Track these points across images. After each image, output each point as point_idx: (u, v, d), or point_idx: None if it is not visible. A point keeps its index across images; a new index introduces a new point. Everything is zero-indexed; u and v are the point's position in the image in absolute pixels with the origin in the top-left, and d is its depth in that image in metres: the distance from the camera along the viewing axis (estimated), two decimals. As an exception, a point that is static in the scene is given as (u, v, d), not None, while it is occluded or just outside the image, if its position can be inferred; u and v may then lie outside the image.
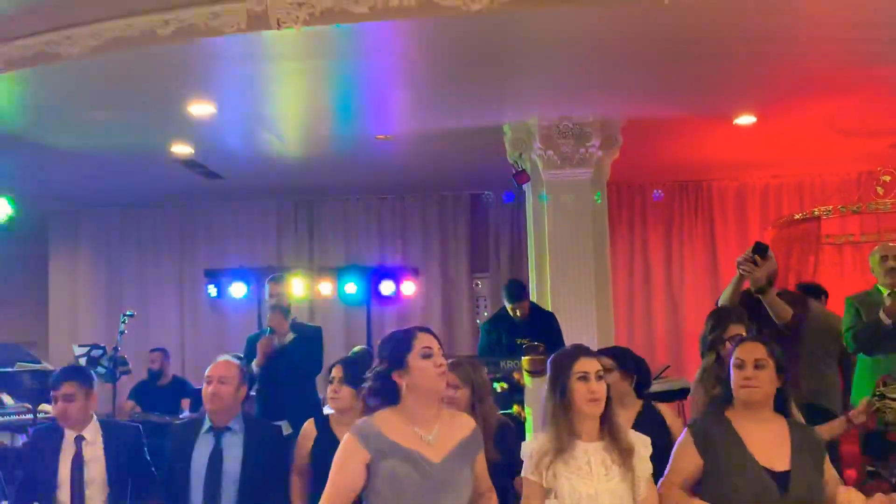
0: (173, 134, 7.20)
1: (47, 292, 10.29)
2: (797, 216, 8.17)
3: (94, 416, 4.10)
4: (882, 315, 5.00)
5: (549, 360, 3.17)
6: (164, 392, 7.79)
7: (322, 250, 10.08)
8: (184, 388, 7.82)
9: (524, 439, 4.23)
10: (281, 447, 4.07)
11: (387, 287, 8.90)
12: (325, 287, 8.92)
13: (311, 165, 8.35)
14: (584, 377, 3.01)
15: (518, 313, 6.18)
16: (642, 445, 3.07)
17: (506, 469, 3.53)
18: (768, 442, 3.12)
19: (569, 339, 5.69)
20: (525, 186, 7.39)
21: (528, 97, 6.51)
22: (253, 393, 5.82)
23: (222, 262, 9.64)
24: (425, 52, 5.57)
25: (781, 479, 3.03)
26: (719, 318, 4.22)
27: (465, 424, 3.00)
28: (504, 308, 6.31)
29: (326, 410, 4.58)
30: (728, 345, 3.79)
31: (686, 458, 3.19)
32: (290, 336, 5.59)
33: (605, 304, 7.05)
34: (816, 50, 5.53)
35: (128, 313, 7.38)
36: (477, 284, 10.11)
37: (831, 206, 7.85)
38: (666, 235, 9.73)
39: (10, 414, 6.61)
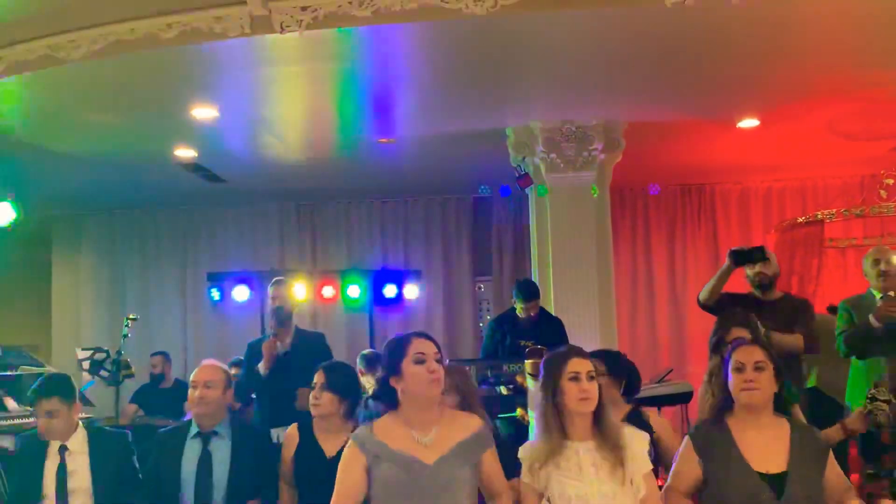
0: (176, 138, 7.21)
1: (50, 296, 10.30)
2: (800, 220, 8.17)
3: (80, 424, 4.03)
4: (871, 318, 4.86)
5: (541, 362, 3.18)
6: (166, 395, 7.80)
7: (324, 254, 10.07)
8: (186, 391, 7.78)
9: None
10: (268, 452, 4.03)
11: (390, 290, 8.92)
12: (328, 290, 8.93)
13: (314, 169, 8.35)
14: (576, 377, 3.01)
15: (528, 314, 6.11)
16: (638, 442, 3.06)
17: None
18: (765, 444, 3.11)
19: (572, 343, 5.66)
20: (528, 190, 7.39)
21: (530, 100, 6.51)
22: (253, 396, 5.82)
23: (225, 266, 9.60)
24: (428, 55, 5.58)
25: (777, 481, 3.02)
26: (723, 321, 4.22)
27: (468, 425, 3.00)
28: (511, 308, 6.27)
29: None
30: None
31: (687, 464, 3.20)
32: (294, 340, 5.55)
33: (608, 308, 7.05)
34: (819, 54, 5.54)
35: (131, 317, 7.36)
36: (479, 288, 10.09)
37: (834, 210, 7.85)
38: (669, 239, 9.72)
39: (13, 418, 6.59)
